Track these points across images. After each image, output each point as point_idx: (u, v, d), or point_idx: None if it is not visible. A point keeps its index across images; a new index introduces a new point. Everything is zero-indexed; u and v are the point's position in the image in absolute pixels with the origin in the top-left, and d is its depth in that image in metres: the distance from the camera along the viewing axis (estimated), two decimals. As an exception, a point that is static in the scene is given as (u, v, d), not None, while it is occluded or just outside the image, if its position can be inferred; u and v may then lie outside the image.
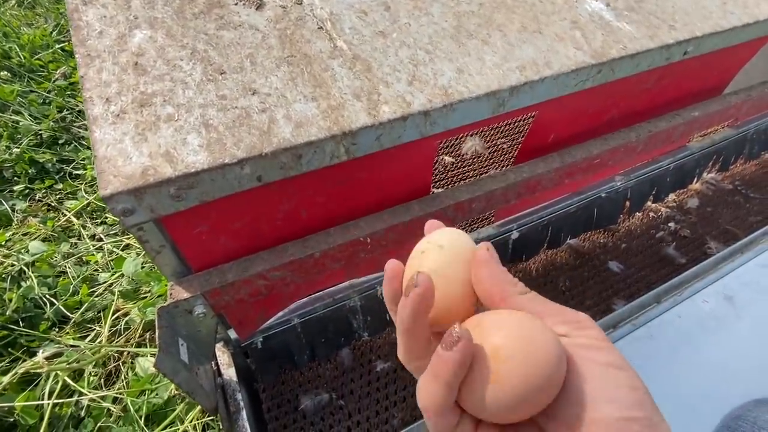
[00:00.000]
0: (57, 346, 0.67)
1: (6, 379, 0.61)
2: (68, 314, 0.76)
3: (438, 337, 0.22)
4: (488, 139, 0.95)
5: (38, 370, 0.62)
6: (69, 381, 0.64)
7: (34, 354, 0.65)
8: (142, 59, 0.39)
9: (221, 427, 0.46)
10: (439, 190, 0.50)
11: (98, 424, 0.62)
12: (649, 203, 0.91)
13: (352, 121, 0.38)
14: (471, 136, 0.81)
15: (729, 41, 0.61)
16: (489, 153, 0.89)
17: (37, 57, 1.37)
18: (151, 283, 0.79)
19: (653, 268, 0.80)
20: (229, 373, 0.52)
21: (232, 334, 0.57)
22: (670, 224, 0.87)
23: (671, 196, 0.93)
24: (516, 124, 1.00)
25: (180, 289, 0.40)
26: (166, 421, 0.61)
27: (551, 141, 0.59)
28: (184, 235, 0.39)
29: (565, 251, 0.82)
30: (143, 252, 0.89)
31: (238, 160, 0.35)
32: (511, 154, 0.92)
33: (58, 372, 0.63)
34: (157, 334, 0.36)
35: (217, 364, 0.53)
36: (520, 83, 0.45)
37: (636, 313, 0.63)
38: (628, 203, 0.88)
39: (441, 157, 0.91)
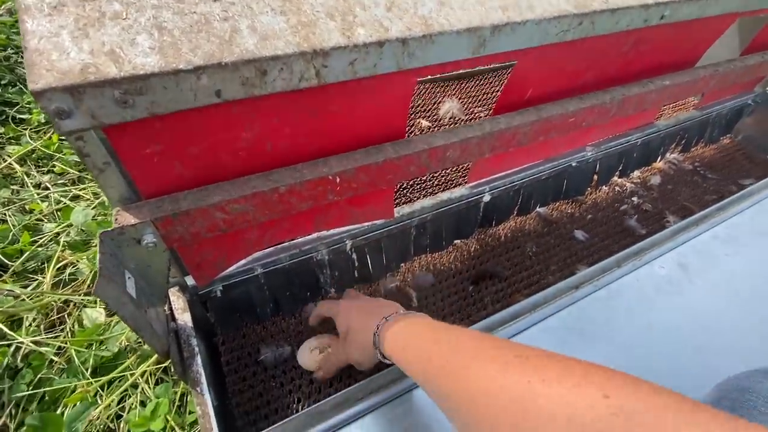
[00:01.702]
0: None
1: (-72, 322, 0.55)
2: (7, 262, 0.69)
3: None
4: (467, 98, 0.93)
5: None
6: (4, 328, 0.58)
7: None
8: (86, -49, 0.34)
9: (174, 371, 0.43)
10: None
11: (38, 375, 0.57)
12: (615, 178, 0.93)
13: (324, 40, 0.35)
14: (449, 97, 0.79)
15: (703, 11, 0.62)
16: (466, 117, 0.88)
17: (-24, -10, 1.22)
18: (103, 235, 0.73)
19: (615, 238, 0.82)
20: (185, 318, 0.49)
21: (190, 281, 0.54)
22: (633, 198, 0.90)
23: (636, 173, 0.96)
24: (495, 74, 0.99)
25: (127, 215, 0.37)
26: (114, 372, 0.58)
27: (528, 98, 0.58)
28: (132, 154, 0.35)
29: (534, 218, 0.83)
30: (95, 203, 0.83)
31: (194, 67, 0.31)
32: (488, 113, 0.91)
33: (-8, 319, 0.57)
34: (98, 258, 0.33)
35: (171, 309, 0.50)
36: (502, 23, 0.43)
37: (598, 275, 0.65)
38: (596, 177, 0.90)
39: (418, 120, 0.89)
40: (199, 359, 0.47)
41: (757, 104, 1.08)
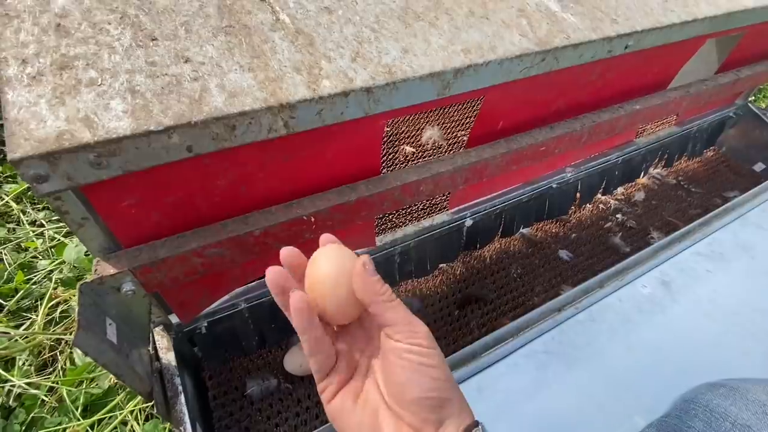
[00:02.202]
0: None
1: None
2: (1, 302, 0.71)
3: (339, 329, 0.32)
4: (441, 124, 0.95)
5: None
6: (-4, 370, 0.60)
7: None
8: (65, 21, 0.37)
9: (157, 412, 0.44)
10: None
11: (31, 415, 0.58)
12: (599, 195, 0.95)
13: (290, 94, 0.38)
14: (430, 126, 0.81)
15: (668, 38, 0.64)
16: (449, 143, 0.90)
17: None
18: (96, 270, 0.75)
19: (600, 257, 0.83)
20: (168, 357, 0.50)
21: (174, 318, 0.55)
22: (617, 216, 0.91)
23: (620, 189, 0.97)
24: (464, 109, 1.01)
25: (106, 265, 0.38)
26: (104, 410, 0.58)
27: (500, 129, 0.60)
28: (110, 208, 0.37)
29: (518, 240, 0.84)
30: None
31: (165, 128, 0.33)
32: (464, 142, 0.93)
33: (-16, 361, 0.59)
34: (77, 310, 0.34)
35: (155, 348, 0.51)
36: (464, 66, 0.45)
37: (580, 297, 0.65)
38: (578, 195, 0.91)
39: (402, 147, 0.91)
40: (182, 398, 0.48)
41: (738, 116, 1.09)
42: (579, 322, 0.63)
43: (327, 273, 0.29)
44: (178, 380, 0.49)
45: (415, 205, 0.79)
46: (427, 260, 0.74)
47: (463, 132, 0.95)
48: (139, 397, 0.61)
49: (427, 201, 0.79)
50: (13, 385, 0.60)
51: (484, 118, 0.56)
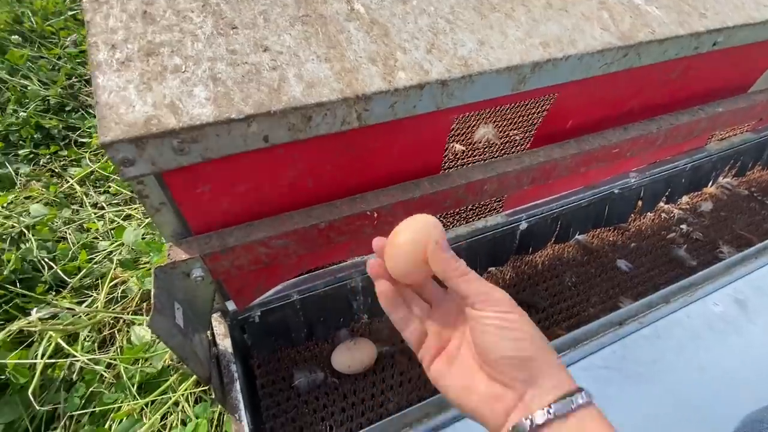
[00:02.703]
0: (53, 308, 0.66)
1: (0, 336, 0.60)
2: (66, 279, 0.75)
3: (432, 307, 0.34)
4: (504, 121, 0.92)
5: (32, 329, 0.61)
6: (63, 344, 0.63)
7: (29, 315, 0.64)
8: (151, 8, 0.37)
9: (214, 396, 0.45)
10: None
11: (90, 389, 0.61)
12: (661, 204, 0.89)
13: (366, 85, 0.37)
14: (484, 123, 0.78)
15: (759, 35, 0.59)
16: (501, 142, 0.87)
17: (48, 23, 1.35)
18: (151, 254, 0.78)
19: (662, 269, 0.78)
20: (225, 343, 0.51)
21: (230, 306, 0.56)
22: (682, 226, 0.85)
23: (685, 198, 0.91)
24: (534, 106, 0.98)
25: (179, 251, 0.39)
26: (158, 391, 0.60)
27: (568, 128, 0.57)
28: (185, 194, 0.37)
29: (573, 246, 0.80)
30: (144, 222, 0.88)
31: (245, 116, 0.33)
32: (525, 143, 0.89)
33: (52, 333, 0.62)
34: (152, 293, 0.35)
35: (212, 334, 0.52)
36: (543, 60, 0.43)
37: (644, 311, 0.61)
38: (640, 202, 0.86)
39: (452, 144, 0.89)
40: (238, 385, 0.48)
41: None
42: (644, 337, 0.59)
43: (401, 242, 0.31)
44: (234, 367, 0.49)
45: (473, 206, 0.77)
46: (477, 262, 0.72)
47: (516, 131, 0.92)
48: (190, 380, 0.63)
49: (486, 202, 0.77)
50: (76, 360, 0.63)
51: (554, 116, 0.54)
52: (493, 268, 0.75)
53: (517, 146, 0.90)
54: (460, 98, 0.41)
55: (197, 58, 0.35)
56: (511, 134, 0.92)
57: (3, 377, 0.58)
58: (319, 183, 0.44)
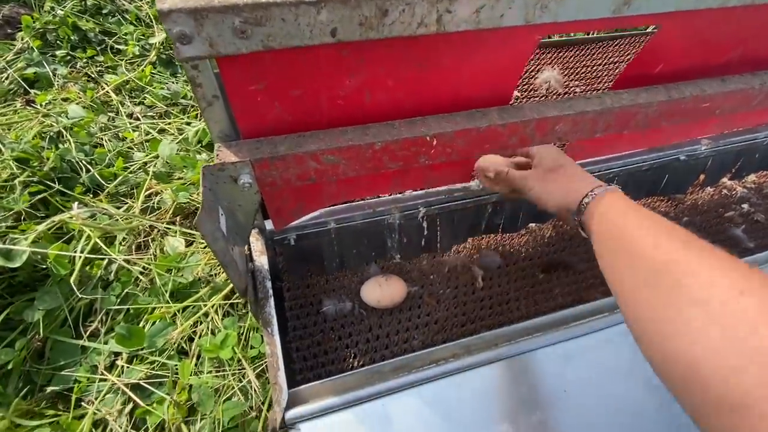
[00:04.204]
0: (91, 208, 0.67)
1: (41, 227, 0.61)
2: (103, 183, 0.75)
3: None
4: (587, 56, 0.83)
5: (71, 222, 0.62)
6: (100, 243, 0.64)
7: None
8: None
9: (250, 309, 0.45)
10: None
11: (126, 290, 0.63)
12: (725, 180, 0.82)
13: (453, -19, 0.31)
14: (550, 66, 0.71)
15: None
16: (564, 89, 0.80)
17: None
18: (185, 169, 0.77)
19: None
20: (261, 260, 0.50)
21: (268, 225, 0.55)
22: (743, 205, 0.79)
23: (752, 177, 0.83)
24: (628, 40, 0.88)
25: (228, 152, 0.36)
26: (190, 299, 0.62)
27: (656, 74, 0.50)
28: (239, 89, 0.34)
29: (621, 212, 0.75)
30: (179, 138, 0.87)
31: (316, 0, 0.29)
32: (586, 89, 0.82)
33: (90, 232, 0.63)
34: (201, 191, 0.33)
35: (249, 250, 0.51)
36: (658, -23, 0.36)
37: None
38: (703, 175, 0.79)
39: (527, 75, 0.81)
40: (272, 301, 0.48)
41: None
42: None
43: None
44: (269, 284, 0.49)
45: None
46: (519, 217, 0.69)
47: (578, 83, 0.84)
48: (221, 294, 0.64)
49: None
50: (112, 261, 0.65)
51: (646, 57, 0.47)
52: (534, 225, 0.72)
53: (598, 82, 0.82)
54: (553, 14, 0.36)
55: (265, -74, 0.30)
56: (571, 84, 0.84)
57: (44, 267, 0.60)
58: (377, 99, 0.40)
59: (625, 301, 0.32)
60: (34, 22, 0.95)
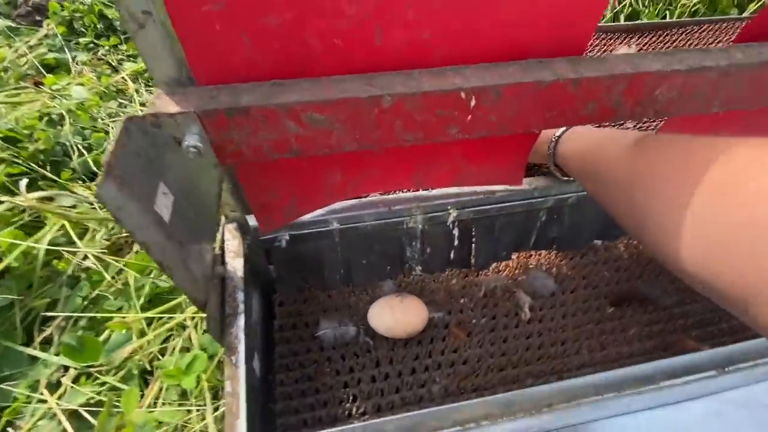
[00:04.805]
0: (73, 196, 0.60)
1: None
2: (96, 171, 0.69)
3: None
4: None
5: (44, 207, 0.54)
6: (72, 234, 0.56)
7: (50, 199, 0.58)
8: None
9: (207, 329, 0.33)
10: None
11: (96, 291, 0.54)
12: None
13: None
14: (631, 38, 0.56)
15: None
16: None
17: None
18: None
19: None
20: (235, 264, 0.39)
21: (252, 221, 0.43)
22: None
23: None
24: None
25: (167, 100, 0.25)
26: (162, 307, 0.51)
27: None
28: (185, 7, 0.23)
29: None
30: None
31: None
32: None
33: (64, 221, 0.55)
34: (108, 149, 0.22)
35: (222, 250, 0.40)
36: None
37: None
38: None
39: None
40: (241, 320, 0.36)
41: None
42: None
43: None
44: (240, 296, 0.37)
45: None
46: (582, 230, 0.53)
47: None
48: (203, 304, 0.53)
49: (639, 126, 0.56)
50: (88, 257, 0.56)
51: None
52: (599, 242, 0.56)
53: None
54: None
55: None
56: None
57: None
58: (391, 40, 0.28)
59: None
60: (62, 10, 0.94)
